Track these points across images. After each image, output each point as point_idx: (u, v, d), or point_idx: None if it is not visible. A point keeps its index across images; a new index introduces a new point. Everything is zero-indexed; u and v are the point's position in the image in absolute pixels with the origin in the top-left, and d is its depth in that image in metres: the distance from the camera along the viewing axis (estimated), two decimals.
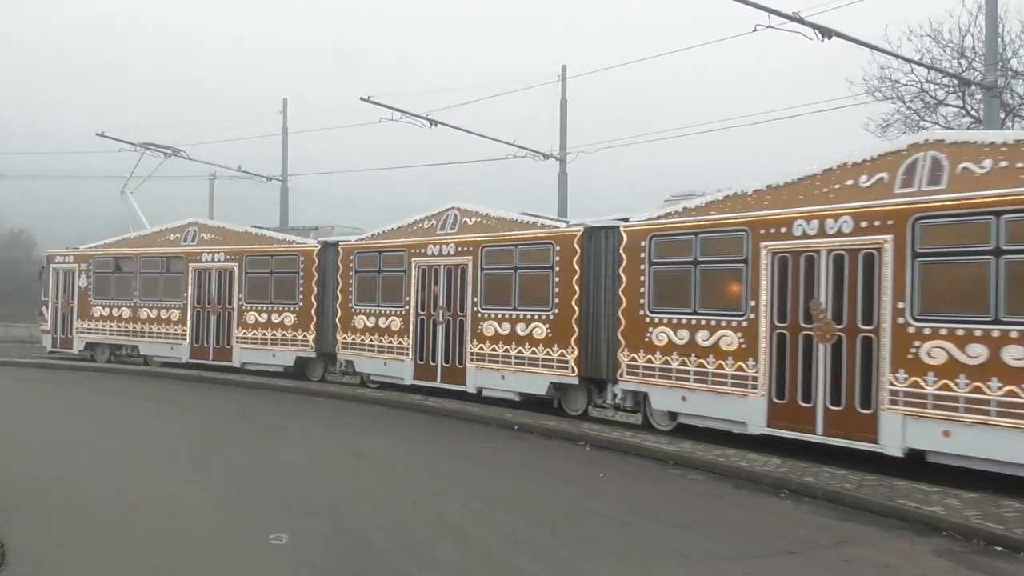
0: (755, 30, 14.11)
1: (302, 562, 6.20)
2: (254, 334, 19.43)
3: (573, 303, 13.32)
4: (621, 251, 12.37)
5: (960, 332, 8.17)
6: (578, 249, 13.29)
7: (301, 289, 18.64)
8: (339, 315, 17.75)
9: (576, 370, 13.30)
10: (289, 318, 18.83)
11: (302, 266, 18.64)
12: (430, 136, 23.83)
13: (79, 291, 23.00)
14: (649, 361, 11.76)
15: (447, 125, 23.31)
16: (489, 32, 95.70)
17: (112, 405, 15.76)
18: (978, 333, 8.04)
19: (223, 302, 20.05)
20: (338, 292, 17.84)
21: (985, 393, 7.95)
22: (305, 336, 18.59)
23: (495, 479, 9.42)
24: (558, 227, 14.03)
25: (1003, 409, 7.84)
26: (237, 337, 19.70)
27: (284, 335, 18.97)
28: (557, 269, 13.59)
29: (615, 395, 12.86)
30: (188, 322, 20.62)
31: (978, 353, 8.01)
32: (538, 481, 9.41)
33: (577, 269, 13.28)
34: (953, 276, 8.40)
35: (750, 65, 62.99)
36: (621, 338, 12.29)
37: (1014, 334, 7.78)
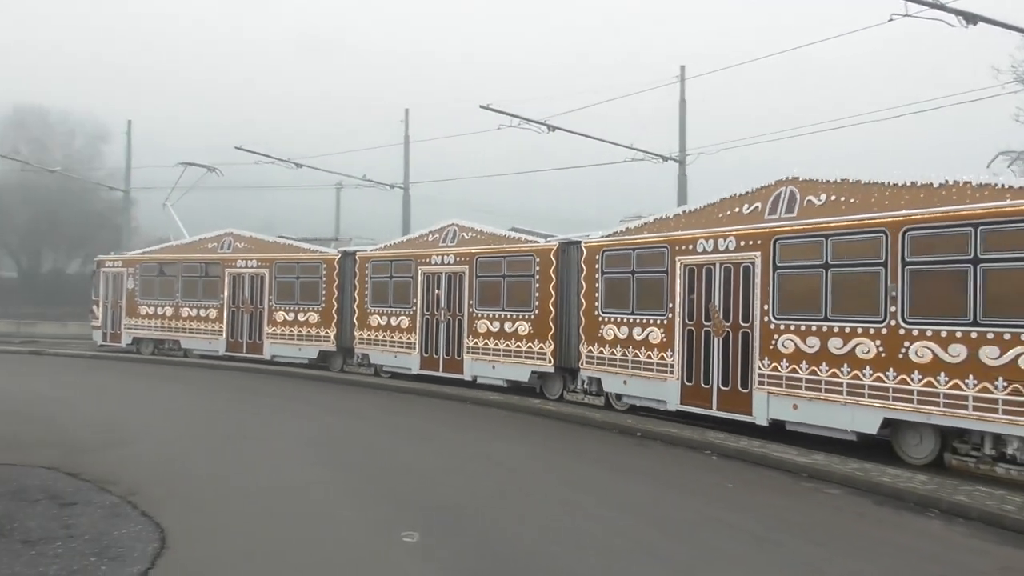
0: (891, 20, 14.40)
1: (434, 560, 6.68)
2: (282, 331, 23.39)
3: (550, 305, 16.90)
4: (582, 263, 15.93)
5: (803, 328, 11.60)
6: (554, 261, 16.88)
7: (323, 292, 22.53)
8: (356, 315, 21.59)
9: (552, 361, 16.89)
10: (313, 317, 22.74)
11: (324, 272, 22.53)
12: (545, 140, 25.19)
13: (127, 292, 27.28)
14: (601, 353, 15.33)
15: (564, 130, 24.72)
16: (603, 35, 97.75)
17: (220, 399, 17.69)
18: (814, 328, 11.46)
19: (255, 302, 24.05)
20: (355, 295, 21.68)
21: (817, 375, 11.37)
22: (327, 333, 22.47)
23: (621, 486, 9.70)
24: (538, 242, 17.64)
25: (829, 388, 11.24)
26: (268, 333, 23.70)
27: (309, 332, 22.88)
28: (537, 277, 17.19)
29: (583, 381, 16.40)
30: (224, 320, 24.70)
31: (814, 344, 11.44)
32: (664, 490, 9.57)
33: (553, 277, 16.87)
34: (798, 284, 11.79)
35: (880, 56, 61.87)
36: (582, 334, 15.88)
37: (836, 328, 11.16)
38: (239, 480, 9.50)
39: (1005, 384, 9.28)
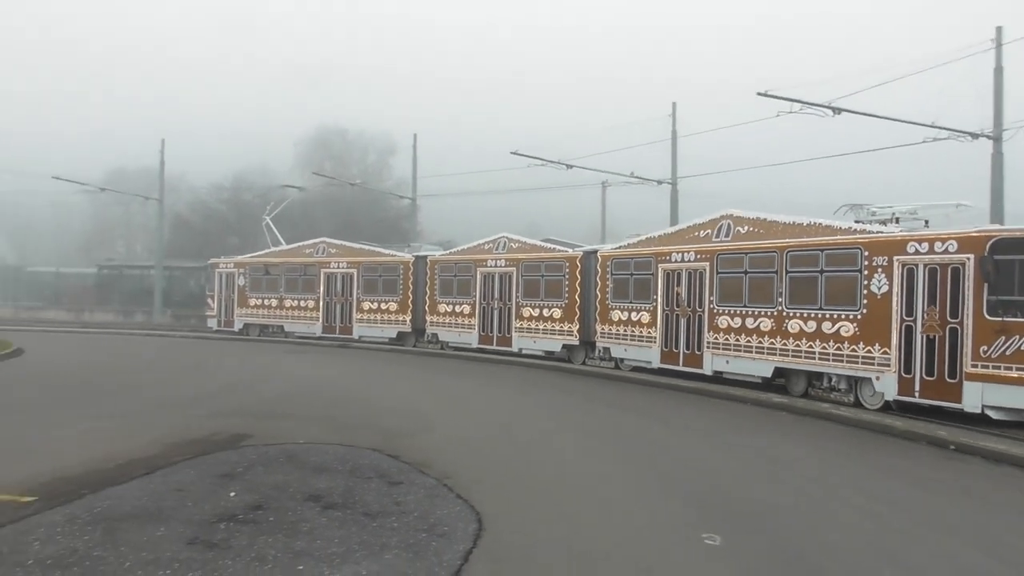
0: None
1: (738, 566, 6.78)
2: (368, 317, 31.08)
3: (576, 296, 24.29)
4: (598, 267, 23.27)
5: (732, 311, 18.85)
6: (579, 265, 24.26)
7: (400, 286, 30.12)
8: (427, 304, 29.16)
9: (577, 336, 24.29)
10: (393, 306, 30.37)
11: (401, 271, 30.12)
12: (827, 127, 24.15)
13: (238, 288, 35.15)
14: (610, 330, 22.67)
15: (852, 112, 24.04)
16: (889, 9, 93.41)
17: (470, 384, 20.21)
18: (738, 312, 18.68)
19: (345, 295, 31.75)
20: (426, 288, 29.23)
21: (739, 342, 18.61)
22: (404, 318, 30.10)
23: (933, 504, 9.36)
24: (567, 251, 25.00)
25: (746, 349, 18.46)
26: (356, 319, 31.36)
27: (389, 317, 30.52)
28: (566, 276, 24.56)
29: (598, 351, 23.70)
30: (320, 309, 32.48)
31: (737, 322, 18.68)
32: (993, 514, 9.04)
33: (579, 276, 24.25)
34: (730, 284, 19.01)
35: None
36: (597, 317, 23.20)
37: (750, 311, 18.38)
38: (534, 468, 10.49)
39: (835, 345, 16.47)
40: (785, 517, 8.39)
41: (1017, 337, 13.49)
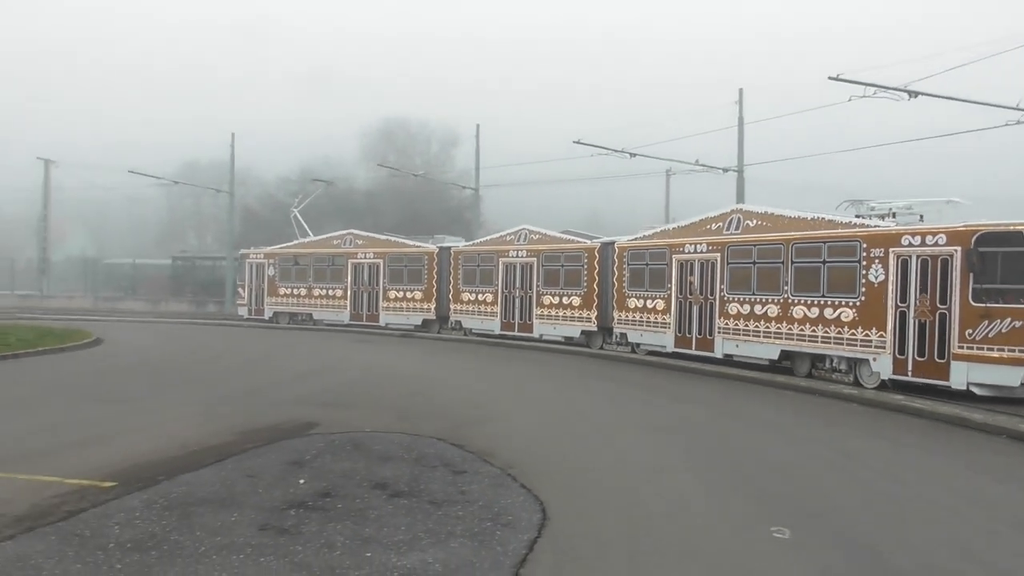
0: None
1: (808, 560, 6.72)
2: (395, 304, 32.77)
3: (594, 285, 25.86)
4: (615, 257, 24.82)
5: (741, 299, 20.40)
6: (597, 255, 25.83)
7: (425, 276, 31.76)
8: (451, 293, 30.80)
9: (595, 323, 25.88)
10: (418, 295, 32.03)
11: (426, 262, 31.75)
12: (900, 111, 23.55)
13: (268, 278, 36.89)
14: (627, 317, 24.26)
15: (929, 95, 23.26)
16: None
17: (517, 371, 20.89)
18: (747, 299, 20.24)
19: (372, 284, 33.44)
20: (450, 278, 30.88)
21: (748, 327, 20.16)
22: (428, 306, 31.75)
23: (1019, 502, 9.20)
24: (585, 242, 26.55)
25: (755, 333, 20.01)
26: (383, 307, 33.05)
27: (415, 305, 32.19)
28: (585, 266, 26.14)
29: (615, 336, 25.27)
30: (348, 298, 34.16)
31: (746, 308, 20.22)
32: None
33: (596, 266, 25.81)
34: (739, 273, 20.56)
35: None
36: (615, 304, 24.78)
37: (758, 299, 19.91)
38: (595, 457, 10.58)
39: (836, 329, 17.99)
40: (857, 511, 8.27)
41: (999, 321, 15.01)
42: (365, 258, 33.84)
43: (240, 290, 38.64)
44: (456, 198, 59.68)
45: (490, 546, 6.70)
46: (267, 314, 37.12)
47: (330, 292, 34.96)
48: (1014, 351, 14.79)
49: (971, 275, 15.39)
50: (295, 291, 36.19)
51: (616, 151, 34.41)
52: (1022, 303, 14.84)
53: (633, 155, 34.27)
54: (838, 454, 11.47)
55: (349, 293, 34.30)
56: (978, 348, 15.27)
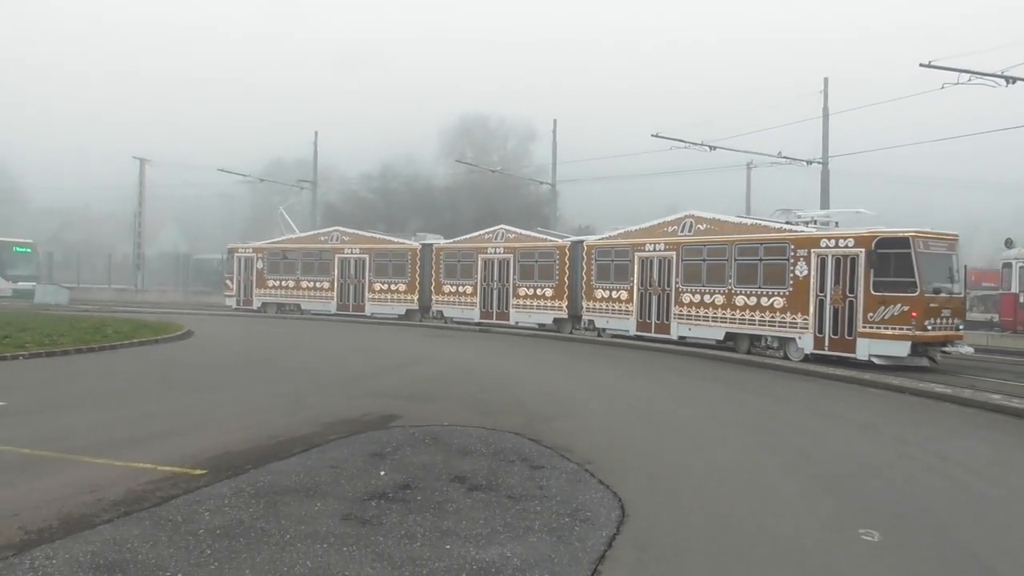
0: None
1: (900, 563, 6.62)
2: (380, 296, 36.67)
3: (565, 278, 30.19)
4: (583, 254, 29.16)
5: (693, 290, 24.92)
6: (568, 252, 30.15)
7: (409, 270, 35.71)
8: (433, 285, 34.84)
9: (566, 311, 30.21)
10: (402, 287, 35.97)
11: (410, 256, 35.73)
12: (997, 98, 23.63)
13: (256, 271, 40.39)
14: (594, 306, 28.63)
15: None
16: None
17: (583, 364, 21.05)
18: (698, 290, 24.75)
19: (358, 277, 37.25)
20: (431, 272, 34.90)
21: (699, 313, 24.68)
22: (411, 297, 35.73)
23: None
24: (557, 241, 30.86)
25: (704, 318, 24.53)
26: (368, 298, 36.92)
27: (398, 296, 36.13)
28: (557, 261, 30.43)
29: (584, 323, 29.60)
30: (335, 289, 37.92)
31: (697, 298, 24.73)
32: None
33: (567, 262, 30.14)
34: (692, 268, 25.07)
35: None
36: (583, 295, 29.13)
37: (707, 290, 24.42)
38: (673, 455, 10.54)
39: (768, 313, 22.58)
40: (950, 513, 8.16)
41: (892, 306, 19.71)
42: (351, 253, 37.62)
43: (228, 282, 42.00)
44: (533, 194, 60.75)
45: (568, 541, 6.74)
46: (255, 305, 40.56)
47: (318, 284, 38.66)
48: (902, 329, 19.55)
49: (872, 271, 20.09)
50: (283, 283, 39.77)
51: (695, 144, 34.11)
52: (908, 292, 19.60)
53: (713, 148, 33.97)
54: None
55: (336, 285, 38.03)
56: (877, 328, 19.98)
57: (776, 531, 7.35)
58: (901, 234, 19.89)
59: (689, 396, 16.51)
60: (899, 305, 19.62)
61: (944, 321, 19.84)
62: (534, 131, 66.57)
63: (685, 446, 11.26)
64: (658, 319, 26.20)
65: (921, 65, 23.24)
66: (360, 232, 38.33)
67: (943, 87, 23.78)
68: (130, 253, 58.44)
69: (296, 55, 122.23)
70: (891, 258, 19.92)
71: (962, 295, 21.05)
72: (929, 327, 19.61)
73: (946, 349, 20.30)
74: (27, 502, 7.37)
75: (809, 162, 34.57)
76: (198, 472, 8.52)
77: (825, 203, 33.05)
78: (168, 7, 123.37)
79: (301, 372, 18.00)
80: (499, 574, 5.98)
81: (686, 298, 25.16)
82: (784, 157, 35.04)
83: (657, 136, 33.73)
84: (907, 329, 19.51)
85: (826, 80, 33.89)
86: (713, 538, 7.11)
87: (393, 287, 36.42)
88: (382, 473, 8.72)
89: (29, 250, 54.88)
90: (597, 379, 18.55)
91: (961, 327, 20.68)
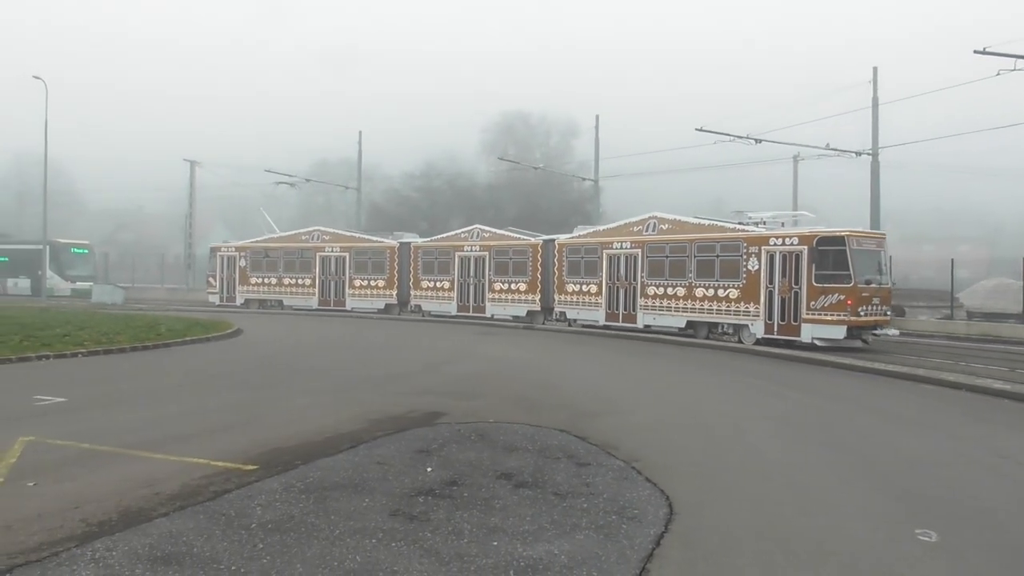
0: None
1: (958, 564, 6.54)
2: (360, 292, 39.13)
3: (538, 274, 33.00)
4: (555, 251, 32.00)
5: (657, 283, 27.92)
6: (540, 250, 32.97)
7: (387, 267, 38.23)
8: (411, 280, 37.41)
9: (539, 304, 33.02)
10: (381, 283, 38.48)
11: (388, 255, 38.23)
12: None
13: (239, 269, 42.52)
14: (566, 299, 31.50)
15: None
16: None
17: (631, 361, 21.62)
18: (661, 284, 27.75)
19: (338, 274, 39.67)
20: (410, 269, 37.46)
21: (662, 304, 27.68)
22: (391, 292, 38.26)
23: None
24: (530, 239, 33.66)
25: (667, 308, 27.53)
26: (349, 294, 39.36)
27: (377, 292, 38.63)
28: (530, 258, 33.23)
29: (555, 314, 32.42)
30: (317, 286, 40.27)
31: (661, 291, 27.73)
32: None
33: (540, 259, 32.96)
34: (656, 264, 28.04)
35: None
36: (555, 289, 31.98)
37: (669, 283, 27.43)
38: (721, 453, 10.46)
39: (725, 303, 25.62)
40: (1010, 514, 8.04)
41: (831, 296, 22.88)
42: (332, 251, 39.97)
43: (211, 279, 44.01)
44: (576, 190, 60.79)
45: (616, 539, 6.71)
46: (239, 301, 42.67)
47: (299, 281, 40.94)
48: (838, 315, 22.76)
49: (813, 265, 23.25)
50: (266, 280, 41.95)
51: (740, 137, 33.75)
52: (843, 284, 22.79)
53: (758, 141, 33.63)
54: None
55: (317, 282, 40.36)
56: (818, 314, 23.14)
57: (825, 527, 7.36)
58: (838, 233, 23.10)
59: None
60: (836, 295, 22.79)
61: (874, 308, 23.13)
62: (576, 127, 66.19)
63: (727, 438, 11.38)
64: (625, 310, 29.12)
65: (975, 52, 23.08)
66: (340, 231, 40.74)
67: (998, 73, 23.80)
68: (181, 253, 59.60)
69: (342, 60, 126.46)
70: (830, 254, 23.09)
71: (889, 286, 24.35)
72: (862, 313, 22.84)
73: (876, 332, 23.61)
74: (88, 495, 7.54)
75: (858, 153, 34.16)
76: (249, 467, 8.66)
77: (875, 194, 32.85)
78: (228, 29, 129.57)
79: (341, 370, 18.54)
80: (547, 571, 5.96)
81: (651, 291, 28.11)
82: (832, 149, 34.76)
83: (701, 130, 33.43)
84: (843, 315, 22.71)
85: (875, 69, 33.82)
86: (763, 536, 7.03)
87: (372, 283, 38.87)
88: (429, 470, 8.78)
89: (86, 251, 56.73)
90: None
91: (888, 313, 24.05)
